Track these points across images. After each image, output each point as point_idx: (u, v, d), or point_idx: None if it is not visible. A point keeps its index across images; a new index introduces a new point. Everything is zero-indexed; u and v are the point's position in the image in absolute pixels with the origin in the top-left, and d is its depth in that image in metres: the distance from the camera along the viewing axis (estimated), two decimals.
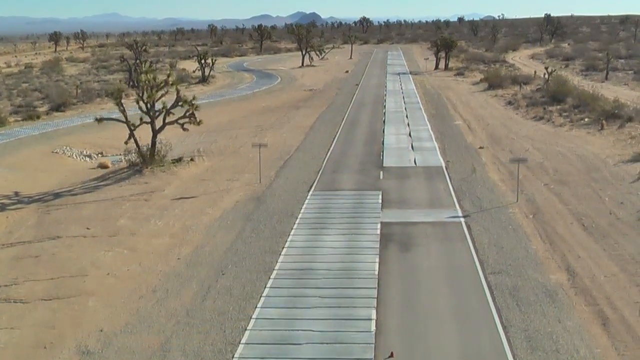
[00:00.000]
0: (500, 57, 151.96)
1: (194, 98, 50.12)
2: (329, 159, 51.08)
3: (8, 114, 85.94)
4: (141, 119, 48.92)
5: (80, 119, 77.27)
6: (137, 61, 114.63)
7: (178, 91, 49.22)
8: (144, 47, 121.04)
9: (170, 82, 48.84)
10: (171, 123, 49.67)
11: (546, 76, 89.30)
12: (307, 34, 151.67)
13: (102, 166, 53.88)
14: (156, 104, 49.19)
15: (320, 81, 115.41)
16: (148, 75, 48.51)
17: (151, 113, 49.06)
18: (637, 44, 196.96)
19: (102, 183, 46.97)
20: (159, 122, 49.49)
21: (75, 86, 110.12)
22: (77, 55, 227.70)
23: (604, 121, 57.99)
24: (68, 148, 60.50)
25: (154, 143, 49.64)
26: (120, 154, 57.77)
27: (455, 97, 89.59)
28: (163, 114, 49.20)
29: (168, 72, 50.19)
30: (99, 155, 60.44)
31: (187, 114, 49.70)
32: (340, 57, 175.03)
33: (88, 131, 67.77)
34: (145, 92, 48.62)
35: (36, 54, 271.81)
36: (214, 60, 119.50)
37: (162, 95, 49.26)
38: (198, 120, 49.93)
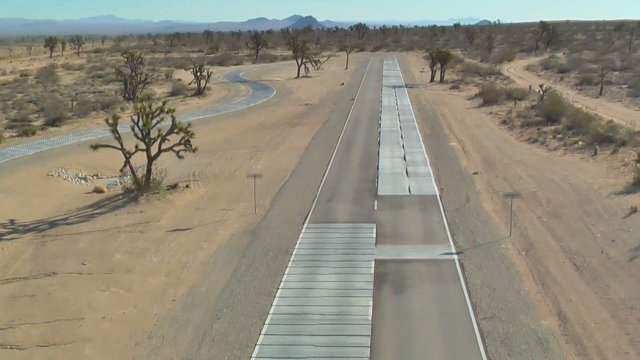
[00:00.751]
0: (496, 68, 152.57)
1: (189, 125, 50.35)
2: (323, 185, 51.32)
3: (3, 129, 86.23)
4: (136, 146, 49.17)
5: (75, 136, 77.45)
6: (133, 73, 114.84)
7: (174, 118, 49.47)
8: (139, 60, 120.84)
9: (166, 110, 49.04)
10: (166, 150, 49.95)
11: (541, 93, 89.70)
12: (304, 45, 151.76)
13: (98, 190, 54.09)
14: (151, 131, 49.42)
15: (316, 95, 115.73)
16: (144, 102, 48.79)
17: (147, 140, 49.26)
18: (631, 53, 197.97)
19: (97, 211, 47.15)
20: (154, 149, 49.70)
21: (70, 99, 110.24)
22: (72, 62, 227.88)
23: (597, 146, 58.32)
24: (63, 170, 60.68)
25: (149, 170, 49.87)
26: (115, 176, 58.05)
27: (450, 113, 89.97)
28: (159, 140, 49.41)
29: (163, 101, 50.16)
30: (95, 177, 60.62)
31: (183, 140, 49.95)
32: (336, 67, 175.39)
33: (83, 151, 67.58)
34: (140, 120, 48.88)
35: (32, 59, 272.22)
36: (209, 73, 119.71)
37: (157, 122, 49.50)
38: (193, 147, 50.25)
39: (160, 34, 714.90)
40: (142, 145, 49.40)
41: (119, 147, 48.96)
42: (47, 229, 43.57)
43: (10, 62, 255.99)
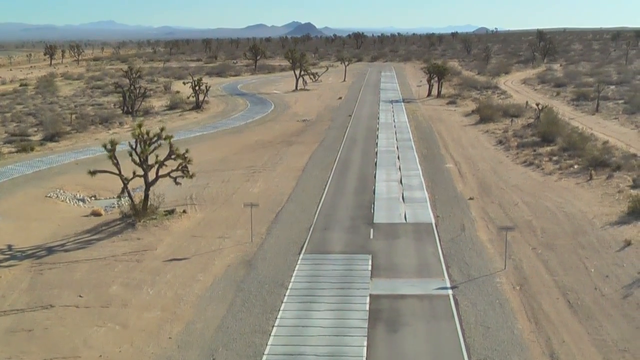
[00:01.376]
0: (493, 82, 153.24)
1: (186, 151, 50.63)
2: (320, 212, 51.54)
3: (2, 144, 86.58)
4: (134, 172, 49.50)
5: (74, 154, 77.66)
6: (132, 87, 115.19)
7: (171, 145, 49.71)
8: (138, 74, 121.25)
9: (164, 137, 49.32)
10: (164, 176, 50.27)
11: (537, 111, 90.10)
12: (302, 58, 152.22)
13: (95, 214, 54.37)
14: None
15: (313, 110, 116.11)
16: (141, 129, 49.09)
17: (144, 166, 49.55)
18: (628, 64, 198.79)
19: (94, 237, 47.39)
20: (151, 174, 50.03)
21: (69, 112, 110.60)
22: (71, 71, 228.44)
23: (592, 171, 58.64)
24: (61, 191, 60.88)
25: (146, 196, 50.14)
26: (113, 197, 58.26)
27: (447, 132, 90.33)
28: (156, 166, 49.72)
29: (162, 126, 50.36)
30: (92, 198, 60.83)
31: (180, 167, 50.26)
32: (334, 79, 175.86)
33: (81, 170, 67.70)
34: (138, 145, 49.17)
35: (31, 67, 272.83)
36: (207, 87, 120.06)
37: (155, 149, 49.80)
38: (190, 173, 50.58)
39: (160, 40, 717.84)
40: (140, 171, 49.68)
41: (117, 172, 49.22)
42: (44, 256, 43.80)
43: (10, 69, 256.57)
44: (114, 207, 56.82)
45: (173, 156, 49.81)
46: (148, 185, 50.03)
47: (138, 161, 49.54)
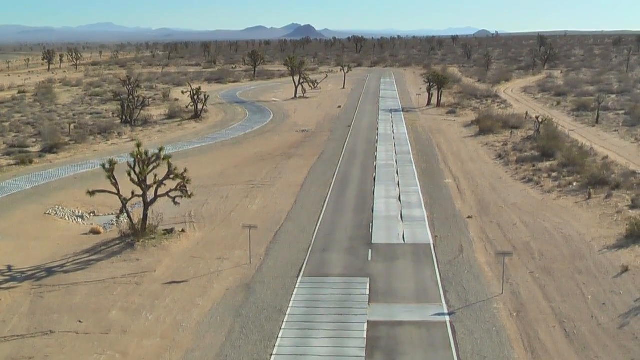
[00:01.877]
0: (493, 90, 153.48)
1: (185, 171, 50.79)
2: (318, 232, 51.67)
3: (1, 155, 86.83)
4: (133, 192, 49.70)
5: (72, 167, 77.80)
6: (130, 97, 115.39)
7: (170, 165, 49.84)
8: (136, 83, 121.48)
9: (162, 157, 49.48)
10: (163, 196, 50.42)
11: (537, 124, 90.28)
12: (301, 66, 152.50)
13: (94, 232, 54.48)
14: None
15: (312, 119, 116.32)
16: (140, 149, 49.26)
17: (143, 186, 49.71)
18: (629, 72, 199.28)
19: (94, 257, 47.55)
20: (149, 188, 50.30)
21: (68, 122, 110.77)
22: (70, 76, 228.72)
23: (591, 190, 58.82)
24: (60, 208, 60.99)
25: (145, 216, 50.29)
26: (112, 214, 58.49)
27: (446, 144, 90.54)
28: (155, 186, 49.91)
29: (160, 147, 50.44)
30: (91, 214, 60.90)
31: (179, 186, 50.44)
32: (333, 86, 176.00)
33: (80, 185, 68.39)
34: (137, 166, 49.33)
35: (29, 72, 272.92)
36: (206, 96, 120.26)
37: (153, 168, 49.97)
38: (189, 193, 50.75)
39: (158, 43, 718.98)
40: (139, 191, 49.86)
41: (116, 192, 49.40)
42: (44, 277, 43.96)
43: (8, 75, 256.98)
44: (112, 224, 56.95)
45: (172, 176, 49.91)
46: (147, 205, 50.19)
47: (137, 181, 49.67)
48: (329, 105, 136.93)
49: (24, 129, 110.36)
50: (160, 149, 49.97)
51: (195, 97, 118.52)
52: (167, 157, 49.64)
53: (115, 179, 49.15)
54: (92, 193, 49.76)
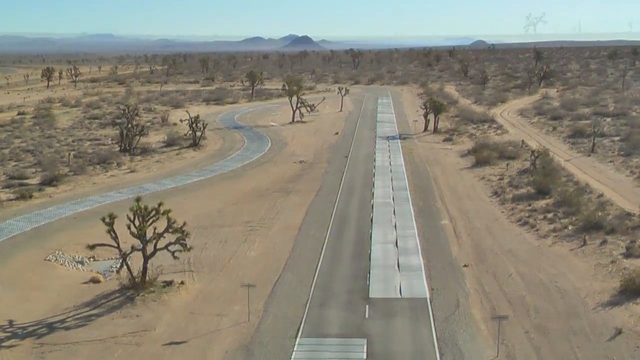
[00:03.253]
0: (489, 114, 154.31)
1: (184, 224, 51.38)
2: (316, 284, 52.19)
3: (1, 188, 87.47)
4: (133, 246, 50.37)
5: (72, 205, 78.29)
6: (129, 125, 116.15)
7: (169, 219, 50.42)
8: (135, 111, 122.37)
9: (162, 211, 50.10)
10: (162, 249, 51.01)
11: (533, 157, 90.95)
12: (298, 90, 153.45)
13: (94, 280, 55.00)
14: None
15: (310, 148, 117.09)
16: (139, 204, 49.90)
17: (142, 240, 50.32)
18: (625, 90, 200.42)
19: (94, 311, 48.08)
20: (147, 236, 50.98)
21: (67, 152, 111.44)
22: (69, 94, 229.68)
23: (586, 236, 59.49)
24: (60, 253, 61.50)
25: (145, 269, 50.87)
26: (111, 258, 59.15)
27: (443, 177, 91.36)
28: (155, 240, 50.54)
29: (159, 202, 50.99)
30: (91, 259, 61.32)
31: (178, 240, 51.03)
32: (330, 109, 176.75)
33: (80, 226, 69.15)
34: (137, 219, 49.96)
35: (29, 89, 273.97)
36: (204, 125, 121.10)
37: (152, 222, 50.59)
38: (188, 247, 51.42)
39: (157, 55, 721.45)
40: (138, 244, 50.50)
41: (115, 245, 50.02)
42: (45, 334, 44.54)
43: (8, 92, 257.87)
44: (112, 270, 57.46)
45: (170, 230, 50.52)
46: (146, 258, 50.77)
47: (136, 234, 50.30)
48: (327, 131, 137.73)
49: (24, 157, 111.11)
50: (160, 204, 50.60)
51: (194, 125, 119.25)
52: (166, 212, 50.24)
53: (115, 233, 49.81)
54: (92, 247, 50.44)
